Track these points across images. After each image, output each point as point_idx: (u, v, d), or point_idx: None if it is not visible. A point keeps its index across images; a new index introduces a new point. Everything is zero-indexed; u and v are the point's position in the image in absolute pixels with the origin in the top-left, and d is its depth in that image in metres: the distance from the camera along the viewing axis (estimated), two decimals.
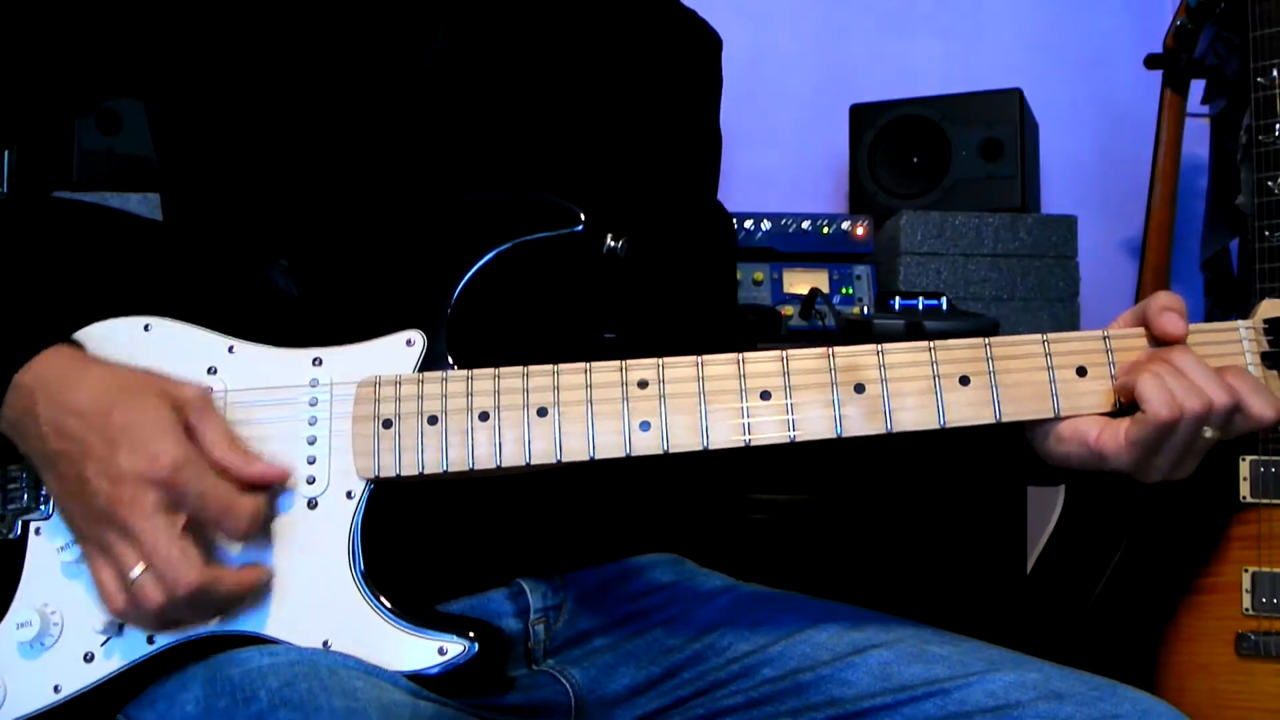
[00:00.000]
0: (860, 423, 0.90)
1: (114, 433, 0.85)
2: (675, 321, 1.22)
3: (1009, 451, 0.97)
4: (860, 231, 2.07)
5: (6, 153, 1.92)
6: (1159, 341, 0.91)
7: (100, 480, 0.84)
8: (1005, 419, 0.91)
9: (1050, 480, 1.02)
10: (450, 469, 0.91)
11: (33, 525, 0.94)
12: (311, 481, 0.92)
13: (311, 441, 0.93)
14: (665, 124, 1.23)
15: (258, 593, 0.90)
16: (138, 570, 0.84)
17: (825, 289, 2.01)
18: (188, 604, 0.85)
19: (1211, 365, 0.89)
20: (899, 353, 0.91)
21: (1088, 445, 0.89)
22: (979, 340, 0.92)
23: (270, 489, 0.90)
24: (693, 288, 1.25)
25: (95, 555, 0.87)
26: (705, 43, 1.30)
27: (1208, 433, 0.87)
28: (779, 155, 2.47)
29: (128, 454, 0.84)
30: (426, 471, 0.92)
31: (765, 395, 0.91)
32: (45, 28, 1.06)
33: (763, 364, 0.91)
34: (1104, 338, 0.92)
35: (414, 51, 1.09)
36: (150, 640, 0.90)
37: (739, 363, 0.91)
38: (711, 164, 1.31)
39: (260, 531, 0.91)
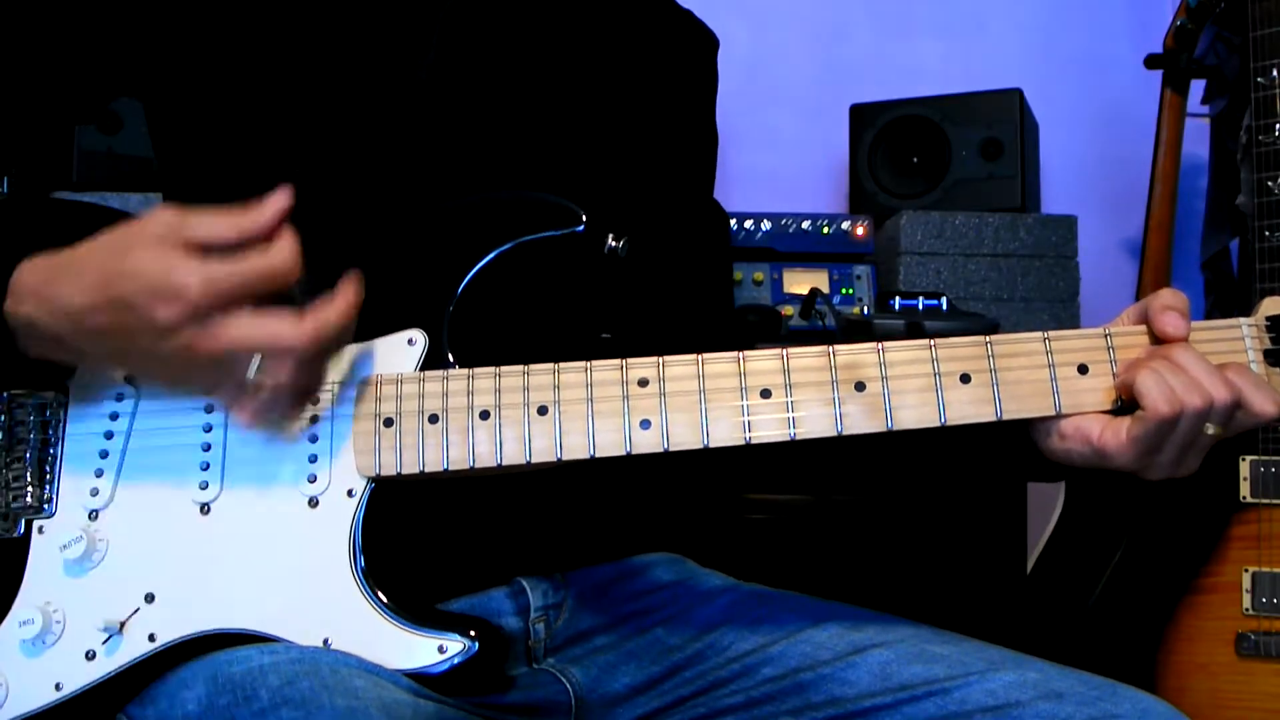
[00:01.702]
0: (861, 421, 0.90)
1: (132, 299, 0.82)
2: (674, 321, 1.22)
3: (1011, 448, 0.97)
4: (860, 231, 2.07)
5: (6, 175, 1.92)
6: (1160, 340, 0.91)
7: (159, 344, 0.82)
8: (1006, 417, 0.91)
9: (1052, 477, 1.02)
10: (451, 467, 0.92)
11: (35, 524, 0.95)
12: (312, 480, 0.92)
13: (313, 440, 0.93)
14: (662, 123, 1.23)
15: (258, 591, 0.90)
16: (252, 369, 0.83)
17: (825, 289, 2.01)
18: (316, 355, 0.84)
19: (1213, 362, 0.89)
20: (900, 351, 0.91)
21: (1090, 443, 0.89)
22: (980, 338, 0.92)
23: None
24: (691, 287, 1.25)
25: (207, 390, 0.87)
26: (701, 42, 1.30)
27: (1210, 429, 0.87)
28: (779, 155, 2.47)
29: (159, 307, 0.81)
30: (427, 470, 0.92)
31: (765, 393, 0.91)
32: (46, 32, 1.06)
33: (763, 362, 0.91)
34: (1105, 335, 0.92)
35: (409, 61, 1.09)
36: (152, 638, 0.90)
37: (739, 361, 0.91)
38: (708, 163, 1.31)
39: (261, 530, 0.91)
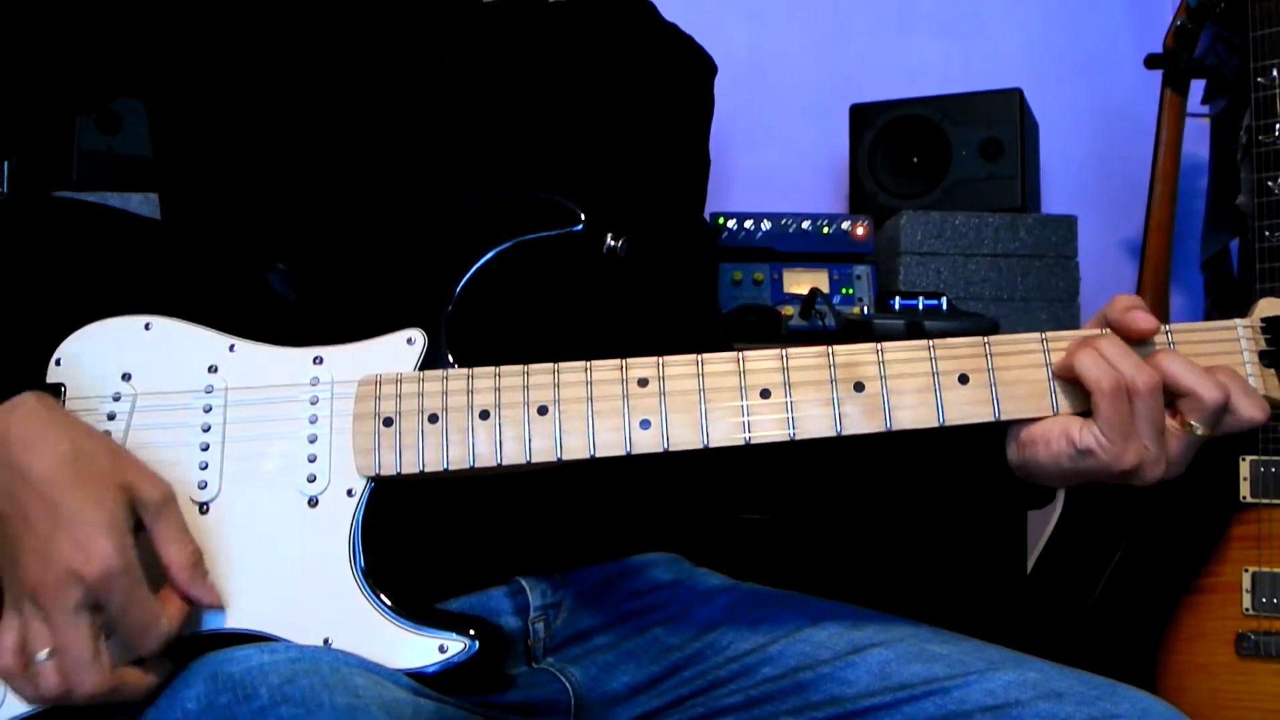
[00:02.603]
0: (860, 421, 0.90)
1: (60, 517, 0.82)
2: (666, 326, 1.22)
3: (994, 482, 0.97)
4: (860, 231, 2.07)
5: (6, 160, 1.92)
6: (1136, 339, 0.90)
7: (33, 558, 0.82)
8: (1004, 417, 0.91)
9: (1044, 500, 1.03)
10: (451, 467, 0.92)
11: None
12: (312, 480, 0.92)
13: (312, 440, 0.93)
14: (660, 141, 1.24)
15: (258, 591, 0.90)
16: (43, 655, 0.82)
17: (825, 289, 2.01)
18: (83, 702, 0.83)
19: (1208, 364, 0.88)
20: (898, 351, 0.91)
21: (1074, 441, 0.89)
22: (978, 339, 0.92)
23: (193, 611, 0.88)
24: (681, 294, 1.26)
25: (8, 615, 0.85)
26: (700, 68, 1.33)
27: (1198, 429, 0.87)
28: (779, 155, 2.47)
29: (65, 545, 0.81)
30: (427, 470, 0.92)
31: (765, 393, 0.91)
32: (48, 28, 1.06)
33: (762, 362, 0.91)
34: (1103, 335, 0.92)
35: (421, 71, 1.10)
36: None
37: (739, 361, 0.92)
38: (700, 182, 1.33)
39: (260, 529, 0.91)
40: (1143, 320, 0.89)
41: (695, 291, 1.30)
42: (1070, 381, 0.90)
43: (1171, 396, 0.87)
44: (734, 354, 0.92)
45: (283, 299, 0.99)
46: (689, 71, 1.31)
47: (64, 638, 0.82)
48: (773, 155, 2.46)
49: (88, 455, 0.85)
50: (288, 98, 1.07)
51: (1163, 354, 0.88)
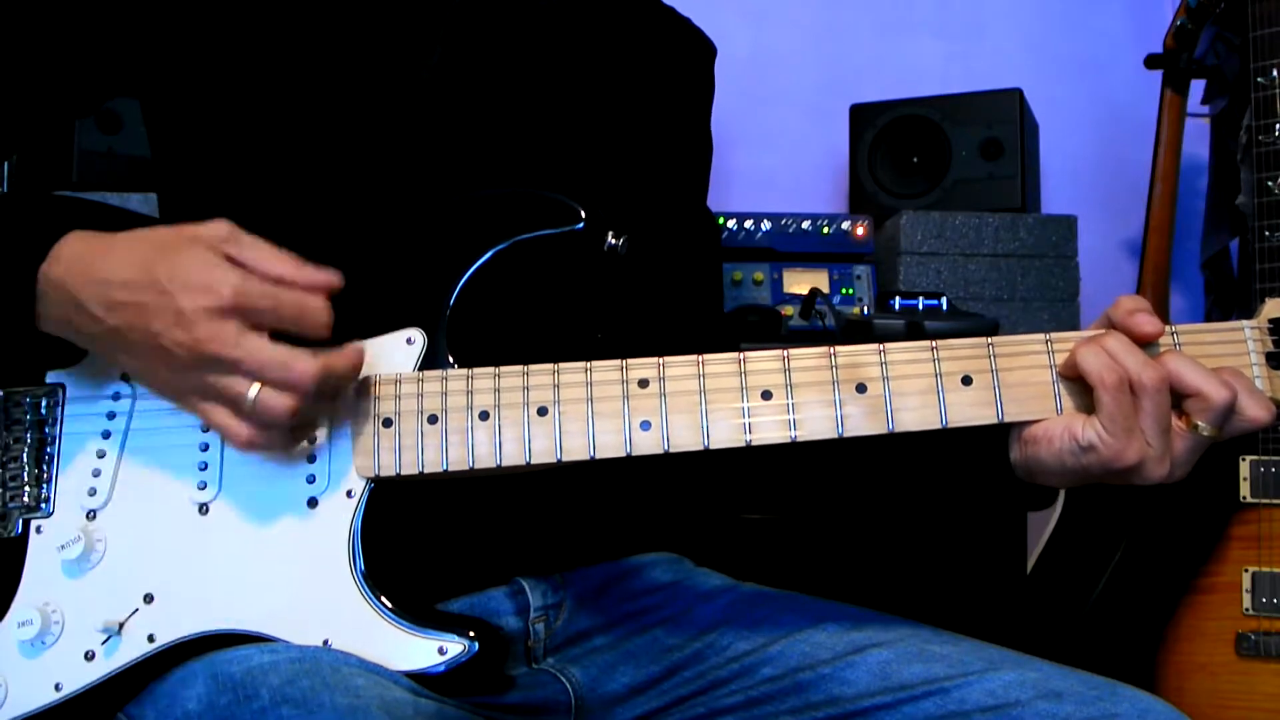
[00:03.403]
0: (862, 422, 0.90)
1: (165, 284, 0.84)
2: (669, 323, 1.22)
3: (1001, 487, 0.97)
4: (860, 231, 2.07)
5: (5, 161, 1.92)
6: (1140, 342, 0.90)
7: (174, 331, 0.84)
8: (1007, 419, 0.90)
9: (1046, 501, 1.03)
10: (450, 468, 0.91)
11: (34, 523, 0.94)
12: (311, 480, 0.92)
13: (311, 441, 0.93)
14: (660, 129, 1.23)
15: (258, 592, 0.90)
16: (253, 391, 0.84)
17: (825, 289, 2.01)
18: (316, 394, 0.85)
19: (1214, 365, 0.88)
20: (901, 352, 0.91)
21: (1077, 438, 0.89)
22: (981, 340, 0.92)
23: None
24: (684, 290, 1.25)
25: (202, 405, 0.87)
26: (699, 50, 1.31)
27: (1204, 430, 0.87)
28: (779, 155, 2.47)
29: (188, 296, 0.83)
30: (426, 470, 0.92)
31: (766, 395, 0.90)
32: (45, 29, 1.06)
33: (764, 363, 0.91)
34: (1108, 333, 0.92)
35: (411, 64, 1.09)
36: (151, 639, 0.90)
37: (740, 362, 0.91)
38: (702, 169, 1.31)
39: (260, 530, 0.91)
40: (1147, 323, 0.89)
41: (698, 287, 1.29)
42: (1075, 383, 0.90)
43: (1178, 398, 0.87)
44: (735, 355, 0.92)
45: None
46: (688, 55, 1.29)
47: (253, 359, 0.83)
48: (773, 155, 2.46)
49: (151, 236, 0.88)
50: (278, 94, 1.07)
51: (1169, 354, 0.88)
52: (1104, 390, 0.86)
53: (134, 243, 0.88)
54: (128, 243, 0.88)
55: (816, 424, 0.90)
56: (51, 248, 0.88)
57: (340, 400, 0.91)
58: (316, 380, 0.84)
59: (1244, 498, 1.69)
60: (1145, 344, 0.89)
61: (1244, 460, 1.69)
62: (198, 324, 0.83)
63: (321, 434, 0.93)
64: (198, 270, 0.84)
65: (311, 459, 0.93)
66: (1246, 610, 1.67)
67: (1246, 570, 1.68)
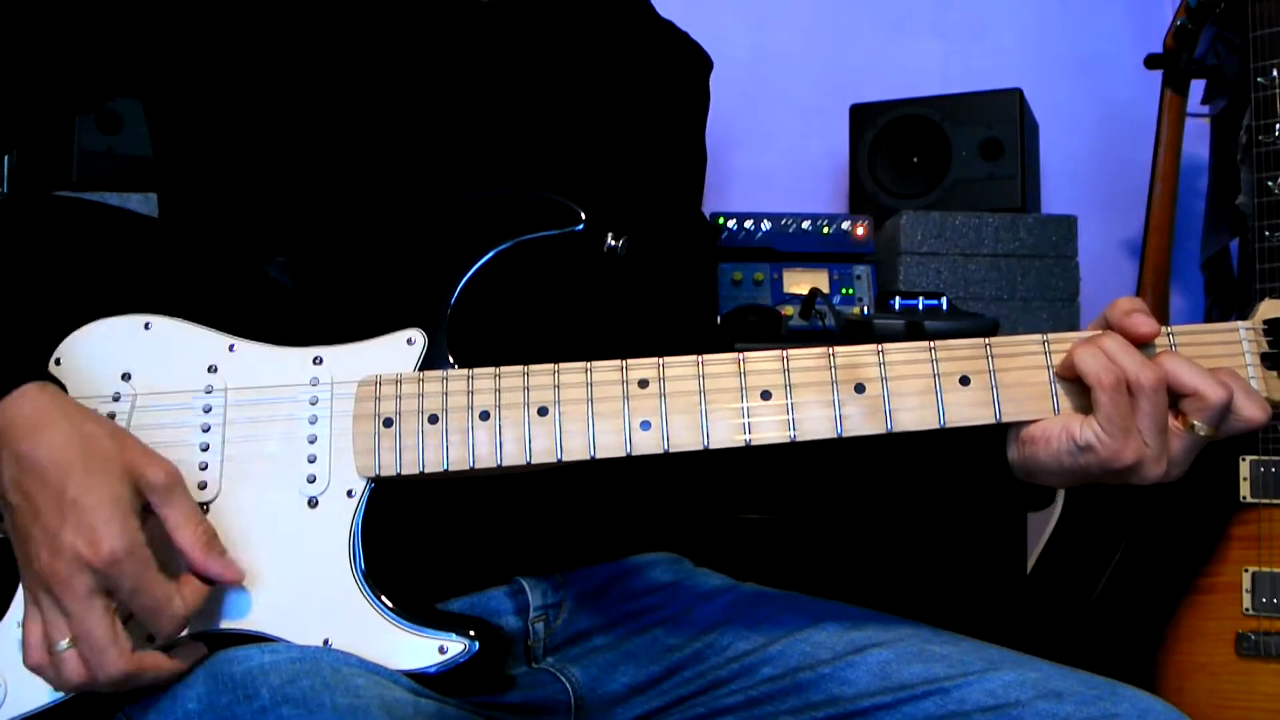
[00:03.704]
0: (861, 422, 0.90)
1: (65, 505, 0.83)
2: (666, 325, 1.22)
3: (999, 484, 0.97)
4: (860, 231, 2.07)
5: (6, 155, 1.92)
6: (1136, 343, 0.90)
7: (42, 549, 0.83)
8: (1005, 419, 0.91)
9: (1044, 502, 1.03)
10: (451, 468, 0.91)
11: None
12: (312, 480, 0.92)
13: (312, 440, 0.93)
14: (658, 136, 1.24)
15: (258, 592, 0.90)
16: (64, 644, 0.83)
17: (825, 289, 2.01)
18: (109, 687, 0.84)
19: (1210, 366, 0.89)
20: (899, 353, 0.91)
21: (1074, 438, 0.89)
22: (979, 340, 0.92)
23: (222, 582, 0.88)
24: (681, 292, 1.26)
25: (30, 609, 0.86)
26: (696, 64, 1.33)
27: (1201, 430, 0.87)
28: (779, 155, 2.47)
29: (72, 532, 0.82)
30: (427, 470, 0.92)
31: (766, 395, 0.91)
32: (48, 26, 1.06)
33: (763, 363, 0.91)
34: (1105, 334, 0.92)
35: (420, 70, 1.10)
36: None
37: (739, 362, 0.91)
38: (698, 178, 1.33)
39: (260, 530, 0.91)
40: (1143, 324, 0.89)
41: (695, 290, 1.29)
42: (1072, 383, 0.90)
43: (1175, 398, 0.88)
44: (734, 355, 0.92)
45: (284, 295, 0.99)
46: (685, 67, 1.31)
47: (80, 625, 0.82)
48: (773, 155, 2.46)
49: (92, 440, 0.86)
50: (286, 96, 1.07)
51: (1166, 354, 0.88)
52: (1101, 390, 0.86)
53: (73, 438, 0.85)
54: (66, 433, 0.85)
55: (815, 424, 0.90)
56: (3, 396, 0.86)
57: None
58: (113, 679, 0.83)
59: (1244, 498, 1.69)
60: (1142, 345, 0.89)
61: (1244, 460, 1.70)
62: (62, 559, 0.82)
63: (323, 421, 0.93)
64: (99, 514, 0.82)
65: (312, 459, 0.93)
66: (1246, 610, 1.67)
67: (1246, 570, 1.68)
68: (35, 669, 0.85)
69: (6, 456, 0.85)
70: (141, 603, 0.84)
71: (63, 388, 0.94)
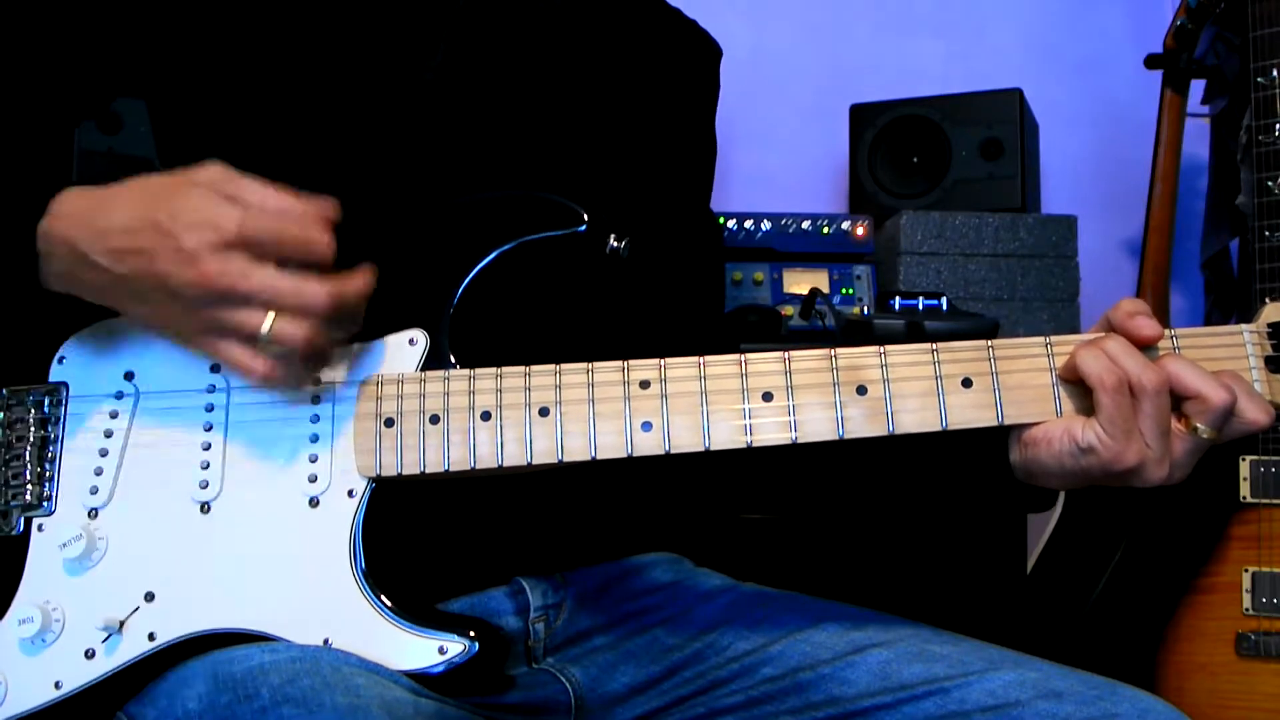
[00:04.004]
0: (862, 424, 0.90)
1: (168, 225, 0.83)
2: (670, 325, 1.22)
3: (1000, 486, 0.97)
4: (860, 231, 2.07)
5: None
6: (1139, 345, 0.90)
7: (181, 271, 0.83)
8: (1007, 422, 0.91)
9: (1046, 503, 1.03)
10: (452, 468, 0.92)
11: (35, 521, 0.94)
12: (313, 480, 0.92)
13: (313, 440, 0.93)
14: (664, 131, 1.23)
15: (258, 591, 0.90)
16: (265, 325, 0.84)
17: (825, 289, 2.01)
18: (332, 321, 0.85)
19: (1214, 369, 0.88)
20: (901, 354, 0.91)
21: (1076, 440, 0.89)
22: (982, 342, 0.92)
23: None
24: (686, 292, 1.26)
25: (216, 343, 0.86)
26: (704, 51, 1.31)
27: (1204, 433, 0.87)
28: (779, 155, 2.47)
29: (193, 234, 0.83)
30: (428, 470, 0.92)
31: (767, 396, 0.91)
32: (52, 30, 1.06)
33: (764, 365, 0.91)
34: (1108, 336, 0.92)
35: (415, 65, 1.09)
36: (151, 637, 0.90)
37: (741, 363, 0.91)
38: (707, 170, 1.32)
39: (262, 529, 0.91)
40: (1146, 327, 0.89)
41: (700, 290, 1.29)
42: (1074, 385, 0.90)
43: (1177, 400, 0.88)
44: (736, 356, 0.92)
45: None
46: (692, 56, 1.29)
47: (261, 291, 0.83)
48: (773, 155, 2.46)
49: (147, 184, 0.88)
50: (282, 94, 1.07)
51: (1169, 357, 0.88)
52: (1103, 392, 0.86)
53: (132, 191, 0.88)
54: (125, 192, 0.88)
55: (817, 425, 0.90)
56: (49, 203, 0.89)
57: (355, 322, 0.90)
58: (330, 303, 0.84)
59: (1244, 498, 1.69)
60: (1145, 347, 0.89)
61: (1244, 460, 1.70)
62: (204, 260, 0.83)
63: (335, 375, 0.93)
64: (199, 209, 0.84)
65: (313, 458, 0.93)
66: (1246, 610, 1.67)
67: (1246, 570, 1.68)
68: (268, 376, 0.86)
69: (89, 243, 0.87)
70: (288, 243, 0.84)
71: (64, 391, 0.94)
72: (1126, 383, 0.86)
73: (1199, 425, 0.87)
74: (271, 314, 0.84)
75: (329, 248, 0.85)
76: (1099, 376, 0.87)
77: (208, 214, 0.83)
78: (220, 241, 0.83)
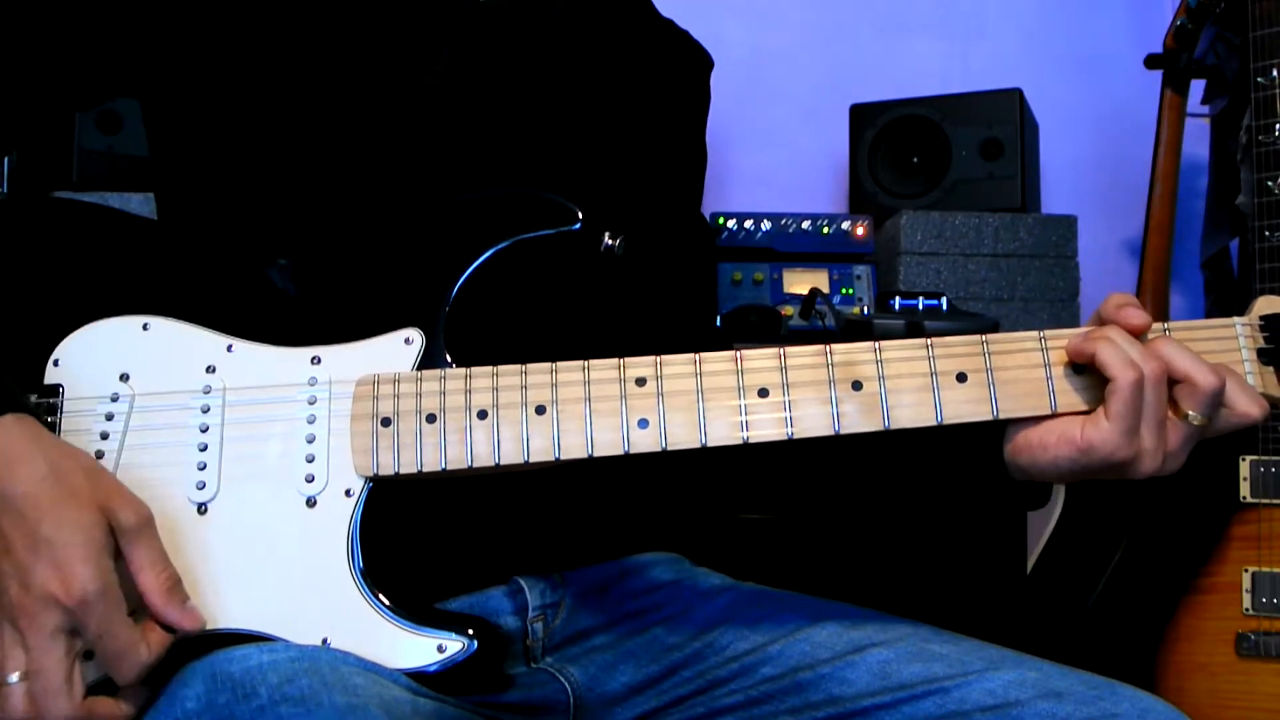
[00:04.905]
0: (858, 420, 0.90)
1: (39, 542, 0.81)
2: (663, 324, 1.22)
3: (996, 483, 0.97)
4: (860, 231, 2.07)
5: (6, 156, 1.92)
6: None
7: (12, 582, 0.82)
8: (1002, 416, 0.91)
9: (1041, 500, 1.03)
10: (449, 467, 0.91)
11: None
12: (310, 480, 0.92)
13: (310, 440, 0.93)
14: (657, 136, 1.24)
15: (256, 591, 0.90)
16: (14, 678, 0.82)
17: (825, 289, 2.01)
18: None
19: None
20: (896, 350, 0.91)
21: (1075, 443, 0.89)
22: (976, 337, 0.92)
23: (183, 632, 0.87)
24: (679, 292, 1.26)
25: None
26: (696, 62, 1.33)
27: (1195, 419, 0.87)
28: (779, 155, 2.47)
29: (45, 570, 0.81)
30: (425, 470, 0.92)
31: (763, 393, 0.91)
32: (46, 26, 1.06)
33: (760, 361, 0.91)
34: (1110, 326, 0.92)
35: (418, 67, 1.10)
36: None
37: (737, 360, 0.91)
38: (698, 177, 1.33)
39: (259, 529, 0.91)
40: (1135, 316, 0.89)
41: (693, 289, 1.29)
42: (1069, 379, 0.90)
43: (1169, 386, 0.88)
44: (732, 353, 0.92)
45: (282, 296, 0.99)
46: (685, 66, 1.31)
47: (38, 661, 0.81)
48: (773, 155, 2.46)
49: (66, 476, 0.84)
50: (283, 95, 1.07)
51: (1159, 340, 0.89)
52: (1124, 388, 0.86)
53: (48, 471, 0.83)
54: (42, 468, 0.83)
55: (813, 421, 0.90)
56: None
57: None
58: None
59: (1244, 498, 1.69)
60: (1135, 337, 0.89)
61: (1244, 460, 1.69)
62: (31, 595, 0.81)
63: (321, 421, 0.93)
64: (73, 551, 0.81)
65: (310, 458, 0.93)
66: (1246, 610, 1.67)
67: (1246, 570, 1.68)
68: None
69: None
70: (106, 646, 0.82)
71: (59, 393, 0.94)
72: (1142, 380, 0.86)
73: (1190, 411, 0.87)
74: (19, 674, 0.81)
75: (133, 678, 0.83)
76: (1122, 370, 0.86)
77: (71, 565, 0.81)
78: (56, 598, 0.80)
